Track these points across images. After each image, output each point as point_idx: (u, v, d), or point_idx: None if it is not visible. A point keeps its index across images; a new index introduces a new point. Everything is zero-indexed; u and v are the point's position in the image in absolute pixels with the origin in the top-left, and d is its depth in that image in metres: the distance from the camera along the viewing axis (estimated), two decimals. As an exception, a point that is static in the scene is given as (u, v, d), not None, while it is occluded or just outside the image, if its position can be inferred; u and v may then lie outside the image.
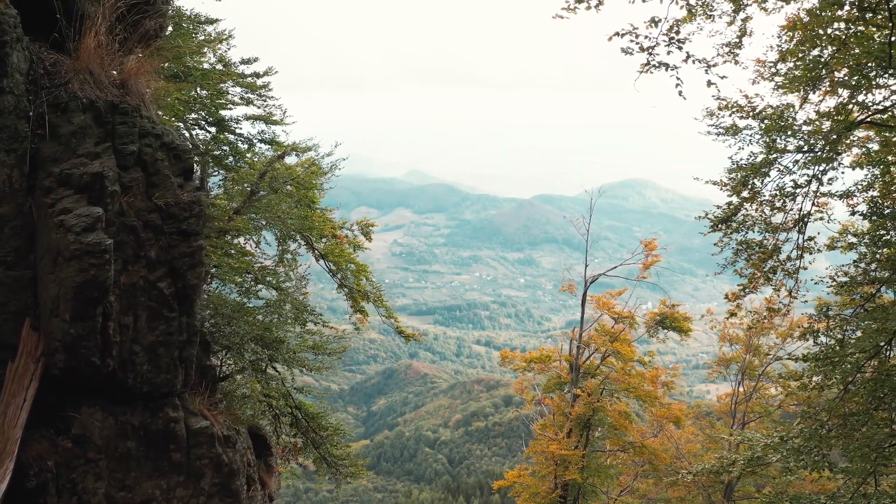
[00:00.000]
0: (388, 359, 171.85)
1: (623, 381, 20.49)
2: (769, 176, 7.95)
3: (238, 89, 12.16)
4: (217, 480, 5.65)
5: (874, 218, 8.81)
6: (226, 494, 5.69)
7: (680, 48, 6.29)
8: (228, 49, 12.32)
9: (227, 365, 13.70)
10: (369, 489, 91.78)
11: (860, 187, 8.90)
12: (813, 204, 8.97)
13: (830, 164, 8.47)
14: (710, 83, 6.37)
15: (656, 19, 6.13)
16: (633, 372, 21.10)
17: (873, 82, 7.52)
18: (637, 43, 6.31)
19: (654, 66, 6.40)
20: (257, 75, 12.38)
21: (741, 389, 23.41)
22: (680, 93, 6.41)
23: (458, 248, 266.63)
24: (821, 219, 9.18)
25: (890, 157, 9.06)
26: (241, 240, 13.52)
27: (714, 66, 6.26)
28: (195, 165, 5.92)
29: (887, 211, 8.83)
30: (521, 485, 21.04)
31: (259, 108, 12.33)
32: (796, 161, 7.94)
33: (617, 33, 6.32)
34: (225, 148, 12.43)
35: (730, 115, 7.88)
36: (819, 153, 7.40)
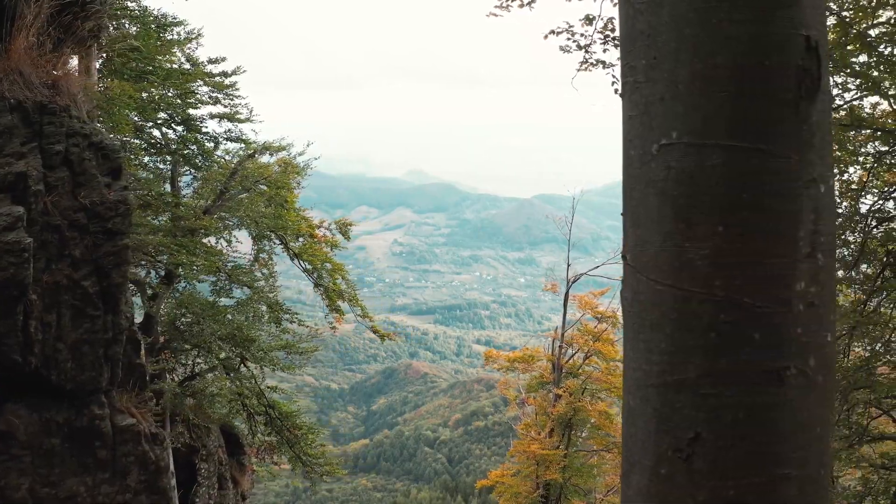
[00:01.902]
0: (388, 358, 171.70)
1: (606, 380, 20.50)
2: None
3: (206, 88, 12.18)
4: (144, 478, 5.66)
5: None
6: (153, 492, 5.70)
7: (616, 46, 6.29)
8: (196, 49, 12.35)
9: (198, 364, 13.73)
10: (368, 488, 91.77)
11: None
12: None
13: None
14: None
15: (591, 17, 6.14)
16: (618, 372, 21.11)
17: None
18: (574, 41, 6.32)
19: (591, 64, 6.41)
20: (225, 74, 12.40)
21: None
22: (616, 91, 6.42)
23: (458, 248, 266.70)
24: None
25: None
26: (212, 239, 13.54)
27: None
28: (123, 165, 5.93)
29: (840, 210, 8.79)
30: (504, 485, 21.06)
31: (226, 107, 12.35)
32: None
33: (553, 31, 6.33)
34: (193, 147, 12.45)
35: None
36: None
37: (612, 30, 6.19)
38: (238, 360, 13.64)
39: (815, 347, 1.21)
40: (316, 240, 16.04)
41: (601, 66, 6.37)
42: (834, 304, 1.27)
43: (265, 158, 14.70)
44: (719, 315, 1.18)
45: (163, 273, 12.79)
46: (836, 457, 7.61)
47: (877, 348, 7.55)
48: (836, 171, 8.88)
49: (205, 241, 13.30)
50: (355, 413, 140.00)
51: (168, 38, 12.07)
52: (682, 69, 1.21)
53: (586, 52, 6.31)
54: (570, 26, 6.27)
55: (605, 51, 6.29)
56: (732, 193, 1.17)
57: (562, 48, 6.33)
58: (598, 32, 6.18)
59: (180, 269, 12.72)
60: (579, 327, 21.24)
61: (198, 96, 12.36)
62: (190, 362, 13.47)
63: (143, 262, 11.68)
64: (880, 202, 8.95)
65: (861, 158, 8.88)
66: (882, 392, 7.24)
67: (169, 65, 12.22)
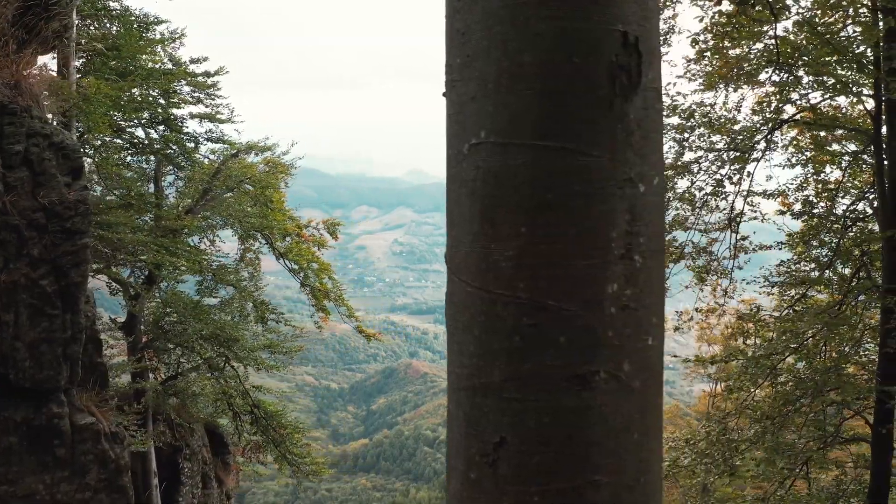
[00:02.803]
0: (388, 358, 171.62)
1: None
2: (692, 174, 7.91)
3: (188, 88, 12.17)
4: (104, 476, 5.65)
5: (805, 217, 8.77)
6: (112, 490, 5.69)
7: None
8: (179, 48, 12.34)
9: (181, 363, 13.72)
10: (368, 488, 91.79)
11: (791, 187, 8.87)
12: (745, 202, 8.94)
13: (752, 161, 8.43)
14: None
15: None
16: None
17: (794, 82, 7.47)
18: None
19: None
20: (208, 74, 12.39)
21: (719, 388, 23.35)
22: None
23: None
24: (754, 218, 9.15)
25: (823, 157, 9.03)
26: (196, 239, 13.53)
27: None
28: (84, 164, 5.90)
29: (816, 210, 8.79)
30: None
31: (207, 107, 12.34)
32: (722, 158, 7.90)
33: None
34: (174, 147, 12.44)
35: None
36: (745, 151, 7.36)
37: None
38: (223, 360, 13.63)
39: (631, 351, 1.18)
40: (303, 239, 16.03)
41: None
42: (659, 306, 1.24)
43: (253, 158, 14.71)
44: (523, 318, 1.15)
45: (146, 273, 12.78)
46: (810, 458, 7.59)
47: (846, 350, 7.52)
48: (811, 171, 8.86)
49: (188, 240, 13.30)
50: (355, 413, 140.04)
51: (150, 37, 12.06)
52: (491, 67, 1.18)
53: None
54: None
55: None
56: (537, 194, 1.15)
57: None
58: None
59: (163, 269, 12.72)
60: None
61: (180, 96, 12.35)
62: (173, 361, 13.46)
63: (122, 262, 11.67)
64: (856, 203, 8.94)
65: (838, 159, 8.87)
66: (850, 393, 7.20)
67: (152, 64, 12.23)
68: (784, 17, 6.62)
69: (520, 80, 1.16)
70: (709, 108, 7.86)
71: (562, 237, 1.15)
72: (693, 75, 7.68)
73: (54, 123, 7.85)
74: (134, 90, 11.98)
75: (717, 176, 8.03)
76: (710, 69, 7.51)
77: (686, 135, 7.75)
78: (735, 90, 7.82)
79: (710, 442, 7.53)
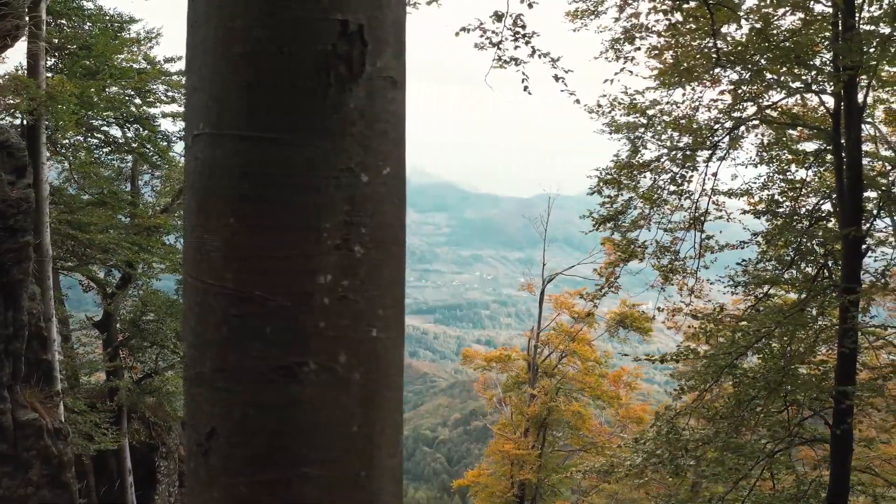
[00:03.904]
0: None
1: (581, 380, 20.42)
2: (652, 173, 7.88)
3: (163, 87, 12.17)
4: (46, 472, 5.65)
5: (768, 216, 8.76)
6: (55, 486, 5.69)
7: (527, 43, 6.25)
8: (153, 47, 12.34)
9: (157, 362, 13.73)
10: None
11: (755, 186, 8.85)
12: (710, 201, 8.92)
13: (717, 160, 8.41)
14: (557, 78, 6.32)
15: (499, 13, 6.10)
16: (596, 371, 21.03)
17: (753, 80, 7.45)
18: (487, 38, 6.28)
19: (505, 61, 6.38)
20: (182, 74, 12.38)
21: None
22: (525, 88, 6.38)
23: (459, 248, 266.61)
24: (720, 218, 9.13)
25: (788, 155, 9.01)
26: (173, 237, 13.54)
27: (559, 59, 6.22)
28: (28, 163, 5.90)
29: (780, 210, 8.77)
30: (479, 485, 21.01)
31: (181, 105, 12.33)
32: (686, 156, 7.88)
33: (464, 28, 6.29)
34: (149, 146, 12.45)
35: (610, 112, 7.83)
36: (696, 150, 7.34)
37: (523, 26, 6.16)
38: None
39: (348, 343, 1.17)
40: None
41: (514, 63, 6.35)
42: (389, 298, 1.23)
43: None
44: (230, 309, 1.15)
45: (121, 272, 12.79)
46: (766, 458, 7.56)
47: (800, 349, 7.49)
48: (774, 169, 8.84)
49: (164, 239, 13.30)
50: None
51: (125, 36, 12.07)
52: (209, 59, 1.18)
53: (498, 48, 6.28)
54: (482, 23, 6.24)
55: (516, 48, 6.26)
56: (245, 185, 1.14)
57: (476, 45, 6.30)
58: (508, 29, 6.15)
59: (137, 268, 12.73)
60: (554, 327, 21.19)
61: (156, 95, 12.35)
62: (148, 360, 13.47)
63: (94, 260, 11.67)
64: (822, 202, 8.92)
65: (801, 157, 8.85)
66: (807, 391, 7.17)
67: (126, 63, 12.23)
68: (736, 21, 6.61)
69: (232, 71, 1.15)
70: (668, 106, 7.85)
71: (270, 228, 1.14)
72: (652, 75, 7.67)
73: (14, 122, 7.84)
74: (112, 89, 12.00)
75: (672, 174, 8.00)
76: (661, 67, 7.50)
77: (640, 132, 7.74)
78: (692, 89, 7.81)
79: (659, 442, 7.51)
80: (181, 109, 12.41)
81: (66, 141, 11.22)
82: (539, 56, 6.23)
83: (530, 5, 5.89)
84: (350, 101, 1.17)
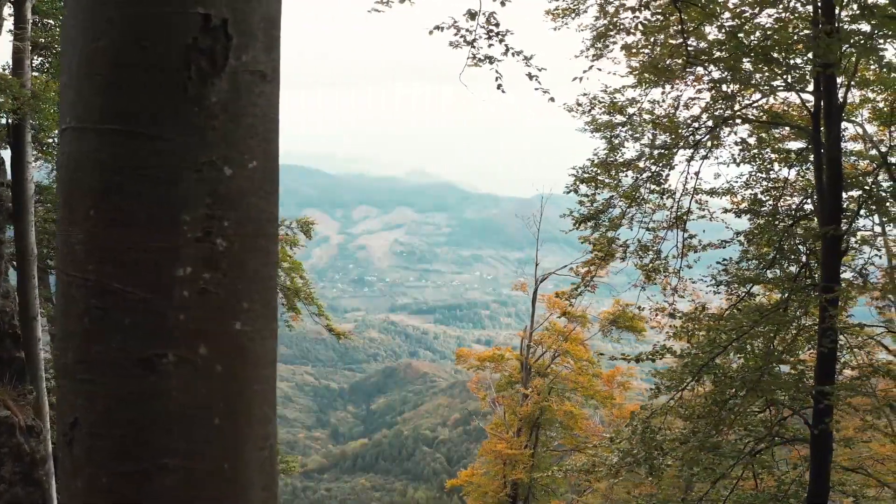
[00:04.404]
0: (388, 357, 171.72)
1: (574, 380, 20.44)
2: (634, 172, 7.90)
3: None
4: (18, 470, 5.68)
5: (750, 217, 8.77)
6: (28, 483, 5.71)
7: (501, 41, 6.26)
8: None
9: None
10: (367, 487, 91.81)
11: (736, 185, 8.86)
12: (692, 200, 8.93)
13: (700, 158, 8.43)
14: (530, 76, 6.34)
15: (473, 12, 6.12)
16: (590, 371, 21.03)
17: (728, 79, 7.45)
18: (461, 36, 6.30)
19: (480, 59, 6.40)
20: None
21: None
22: (499, 86, 6.41)
23: (459, 248, 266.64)
24: (703, 217, 9.14)
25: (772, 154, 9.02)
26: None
27: (531, 57, 6.23)
28: (2, 163, 5.92)
29: (763, 209, 8.79)
30: (472, 484, 21.05)
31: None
32: (661, 154, 7.89)
33: (437, 27, 6.31)
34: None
35: (588, 111, 7.84)
36: (670, 148, 7.35)
37: (496, 24, 6.17)
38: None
39: (209, 336, 1.18)
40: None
41: (488, 61, 6.36)
42: (254, 290, 1.24)
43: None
44: (91, 300, 1.16)
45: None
46: (743, 457, 7.56)
47: (778, 348, 7.50)
48: (754, 168, 8.84)
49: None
50: (355, 412, 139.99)
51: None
52: (76, 54, 1.19)
53: (472, 47, 6.29)
54: (455, 21, 6.26)
55: (490, 45, 6.27)
56: (105, 177, 1.16)
57: (451, 44, 6.32)
58: (482, 27, 6.16)
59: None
60: (547, 326, 21.20)
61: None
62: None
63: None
64: (805, 201, 8.93)
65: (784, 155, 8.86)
66: (780, 390, 7.18)
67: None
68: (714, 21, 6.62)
69: (94, 66, 1.17)
70: (650, 104, 7.87)
71: (130, 221, 1.15)
72: (630, 73, 7.68)
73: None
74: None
75: (650, 173, 8.02)
76: (638, 65, 7.52)
77: (619, 131, 7.75)
78: (672, 87, 7.82)
79: (633, 441, 7.52)
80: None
81: (51, 140, 11.22)
82: (512, 54, 6.26)
83: (503, 3, 5.91)
84: (212, 95, 1.18)
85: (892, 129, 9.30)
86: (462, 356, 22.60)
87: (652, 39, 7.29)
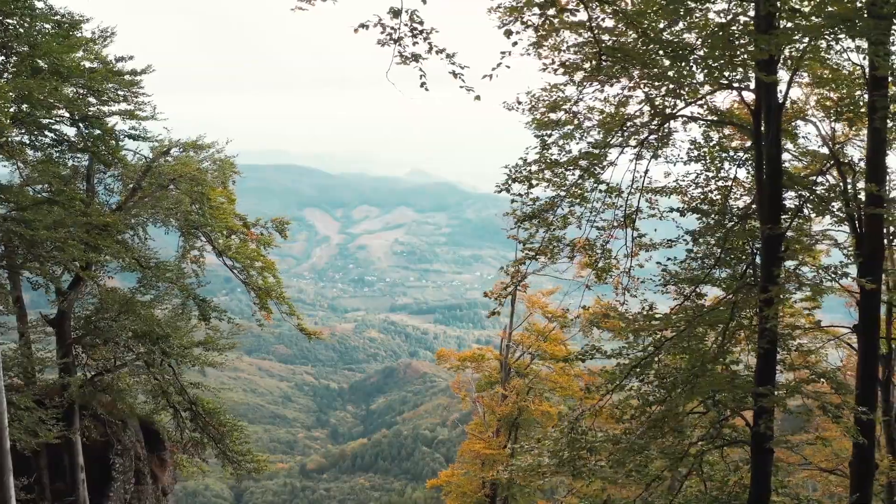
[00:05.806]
0: (387, 357, 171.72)
1: (553, 380, 20.37)
2: (572, 171, 7.86)
3: (111, 85, 12.18)
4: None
5: (698, 216, 8.74)
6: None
7: (425, 39, 6.24)
8: (106, 46, 12.35)
9: (112, 359, 13.73)
10: (366, 487, 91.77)
11: (683, 183, 8.83)
12: (640, 198, 8.90)
13: (652, 158, 8.40)
14: (455, 74, 6.32)
15: (396, 10, 6.09)
16: (570, 372, 20.96)
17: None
18: (388, 34, 6.27)
19: (407, 57, 6.37)
20: (135, 73, 12.40)
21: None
22: (423, 84, 6.38)
23: (459, 247, 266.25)
24: (653, 216, 9.11)
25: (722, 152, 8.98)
26: (128, 235, 13.55)
27: (454, 55, 6.20)
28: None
29: (714, 207, 8.75)
30: (452, 484, 21.00)
31: (130, 104, 12.37)
32: (589, 153, 7.84)
33: (363, 25, 6.28)
34: (101, 145, 12.47)
35: (530, 109, 7.80)
36: (602, 147, 7.32)
37: (420, 22, 6.15)
38: (159, 356, 13.63)
39: None
40: (249, 238, 16.02)
41: (415, 59, 6.33)
42: None
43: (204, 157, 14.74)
44: None
45: (71, 271, 12.80)
46: (701, 459, 7.53)
47: (713, 347, 7.46)
48: (701, 168, 8.81)
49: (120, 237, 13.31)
50: (354, 412, 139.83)
51: (77, 35, 12.06)
52: None
53: (400, 45, 6.27)
54: (381, 19, 6.23)
55: (414, 44, 6.24)
56: None
57: (379, 42, 6.30)
58: (406, 25, 6.14)
59: (93, 267, 12.75)
60: (527, 326, 21.14)
61: (109, 94, 12.35)
62: (102, 357, 13.47)
63: (42, 258, 11.67)
64: (754, 201, 8.90)
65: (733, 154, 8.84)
66: (727, 391, 7.14)
67: (83, 63, 12.25)
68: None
69: None
70: (593, 101, 7.83)
71: None
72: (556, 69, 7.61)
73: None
74: (70, 89, 12.01)
75: (583, 171, 7.97)
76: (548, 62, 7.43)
77: (551, 131, 7.71)
78: (604, 85, 7.76)
79: (562, 444, 7.48)
80: (131, 108, 12.42)
81: (16, 138, 11.22)
82: (436, 52, 6.23)
83: (424, 1, 5.89)
84: None
85: (845, 125, 9.28)
86: (442, 356, 22.54)
87: (561, 37, 7.19)
